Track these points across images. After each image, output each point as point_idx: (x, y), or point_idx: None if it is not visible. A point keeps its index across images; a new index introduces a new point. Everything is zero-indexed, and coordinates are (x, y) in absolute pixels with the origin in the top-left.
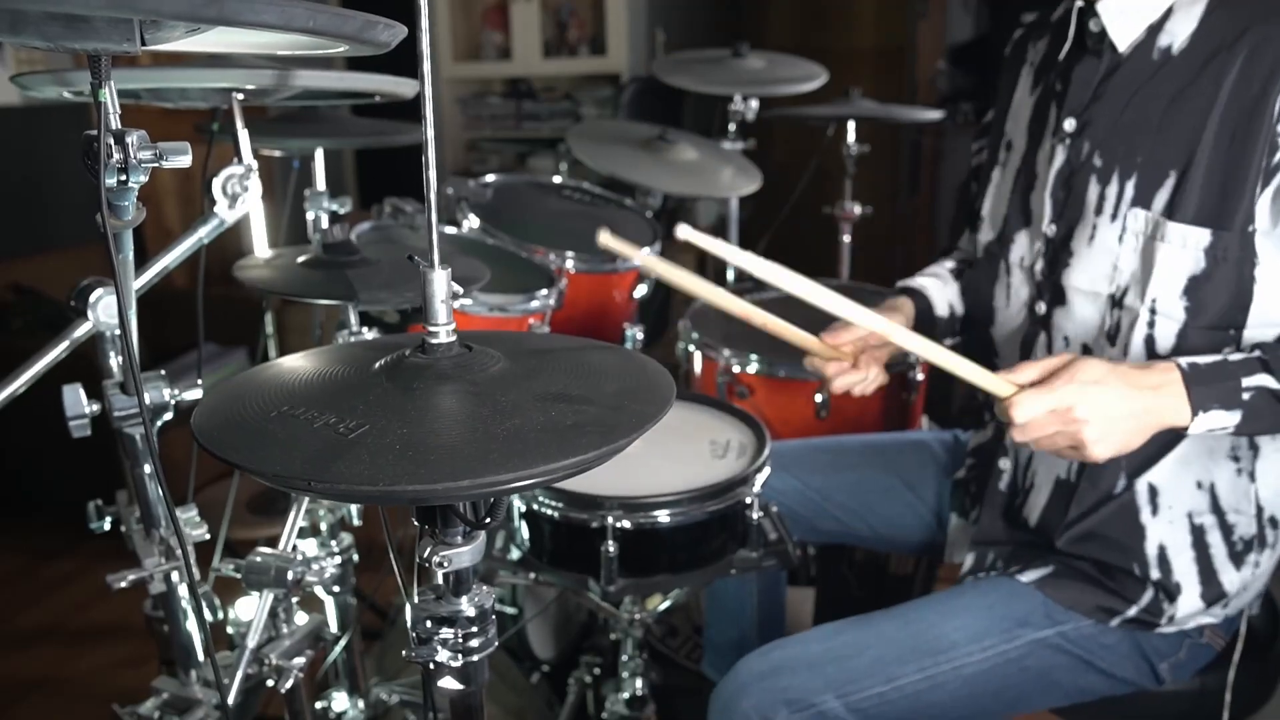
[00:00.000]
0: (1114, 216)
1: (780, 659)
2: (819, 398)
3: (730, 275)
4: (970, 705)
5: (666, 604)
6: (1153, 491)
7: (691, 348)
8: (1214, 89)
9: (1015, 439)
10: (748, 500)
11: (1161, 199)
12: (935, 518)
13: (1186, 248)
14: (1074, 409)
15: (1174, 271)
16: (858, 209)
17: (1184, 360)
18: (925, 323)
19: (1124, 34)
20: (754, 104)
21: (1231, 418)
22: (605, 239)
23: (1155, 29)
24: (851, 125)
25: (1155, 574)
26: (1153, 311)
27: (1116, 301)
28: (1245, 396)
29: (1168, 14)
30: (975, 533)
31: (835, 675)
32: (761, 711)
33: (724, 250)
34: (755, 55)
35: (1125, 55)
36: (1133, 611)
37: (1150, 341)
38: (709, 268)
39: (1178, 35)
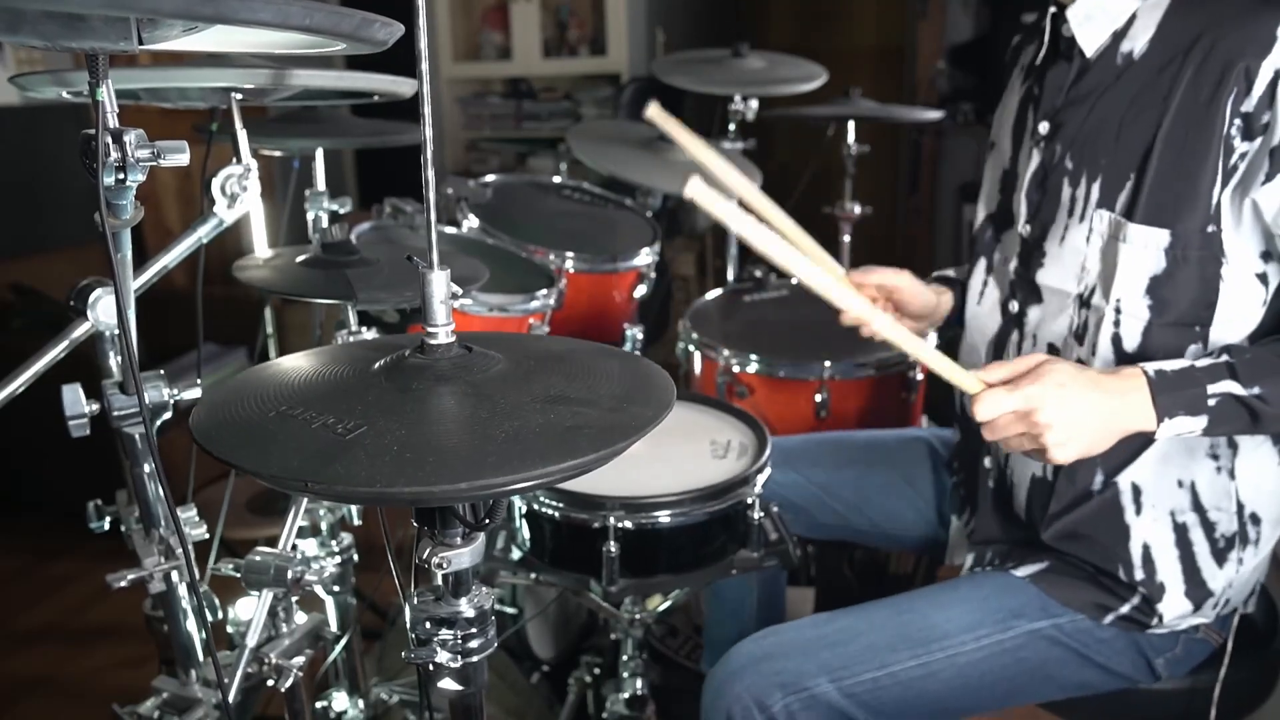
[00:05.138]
0: (1082, 218)
1: (774, 644)
2: (819, 398)
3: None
4: (964, 695)
5: (667, 604)
6: (1136, 491)
7: (691, 348)
8: (1167, 93)
9: (984, 435)
10: (749, 500)
11: (1123, 200)
12: (936, 514)
13: (1147, 248)
14: (1036, 412)
15: (1136, 271)
16: (858, 209)
17: (1151, 367)
18: (963, 311)
19: (1090, 40)
20: (754, 104)
21: (1198, 423)
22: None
23: (1120, 35)
24: (851, 125)
25: (1140, 575)
26: (1118, 311)
27: (1084, 301)
28: (1211, 403)
29: (1131, 20)
30: (973, 533)
31: (829, 660)
32: (755, 694)
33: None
34: (755, 55)
35: (1092, 60)
36: (1125, 609)
37: (1117, 340)
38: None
39: (1138, 41)
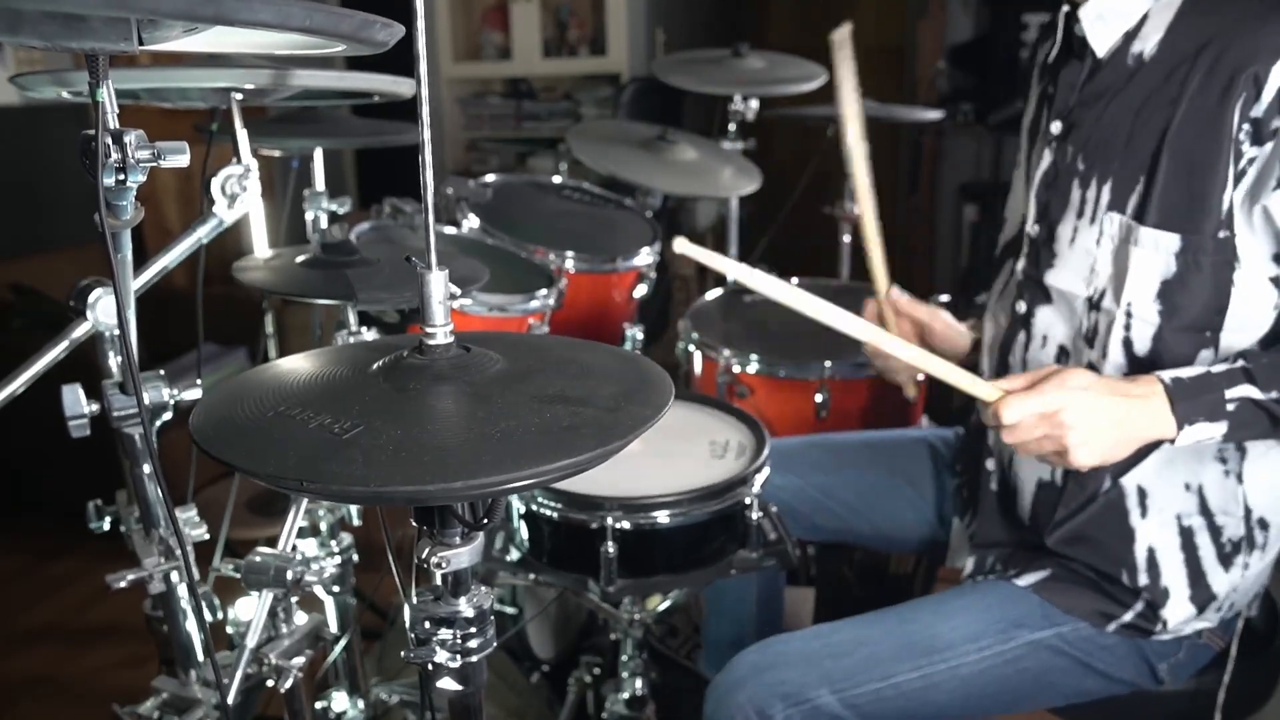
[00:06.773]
0: (1092, 220)
1: (777, 654)
2: (819, 398)
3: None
4: (966, 705)
5: (666, 604)
6: (1142, 493)
7: (691, 348)
8: (1176, 97)
9: (1004, 440)
10: (747, 500)
11: (1133, 203)
12: (937, 515)
13: (1158, 252)
14: (1061, 412)
15: (1147, 275)
16: (858, 209)
17: (1167, 375)
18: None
19: (1102, 40)
20: (754, 104)
21: (1218, 429)
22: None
23: (1131, 35)
24: None
25: (1144, 580)
26: (1129, 314)
27: (1094, 304)
28: (1230, 408)
29: (1143, 21)
30: (975, 536)
31: (831, 671)
32: (757, 705)
33: (722, 264)
34: (755, 55)
35: (1104, 60)
36: (1129, 616)
37: (1128, 344)
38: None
39: (1149, 42)
